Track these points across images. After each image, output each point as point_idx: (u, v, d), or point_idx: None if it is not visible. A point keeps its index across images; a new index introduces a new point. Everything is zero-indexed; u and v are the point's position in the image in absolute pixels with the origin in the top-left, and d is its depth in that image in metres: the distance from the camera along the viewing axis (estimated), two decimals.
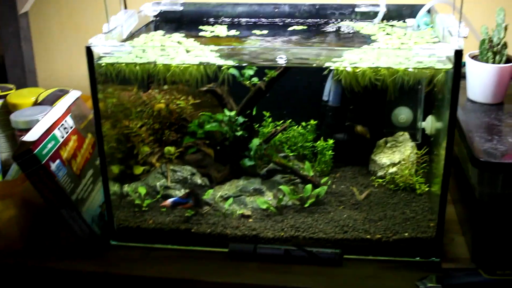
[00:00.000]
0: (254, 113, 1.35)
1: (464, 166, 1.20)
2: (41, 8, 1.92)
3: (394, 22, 1.43)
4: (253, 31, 1.39)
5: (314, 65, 1.15)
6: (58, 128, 1.21)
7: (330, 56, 1.15)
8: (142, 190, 1.29)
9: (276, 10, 1.48)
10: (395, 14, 1.45)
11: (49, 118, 1.22)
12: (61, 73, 1.98)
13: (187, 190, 1.28)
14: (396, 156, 1.34)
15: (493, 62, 1.31)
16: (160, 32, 1.36)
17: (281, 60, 1.14)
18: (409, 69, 1.13)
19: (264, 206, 1.25)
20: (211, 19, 1.49)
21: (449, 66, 1.05)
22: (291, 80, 1.34)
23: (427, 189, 1.30)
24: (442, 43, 1.17)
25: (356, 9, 1.46)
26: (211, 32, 1.39)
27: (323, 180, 1.32)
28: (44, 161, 1.13)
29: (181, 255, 1.21)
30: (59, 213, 1.18)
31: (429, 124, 1.34)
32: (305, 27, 1.43)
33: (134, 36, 1.30)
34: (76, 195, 1.19)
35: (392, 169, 1.33)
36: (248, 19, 1.48)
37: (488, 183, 1.09)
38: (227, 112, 1.31)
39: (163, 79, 1.23)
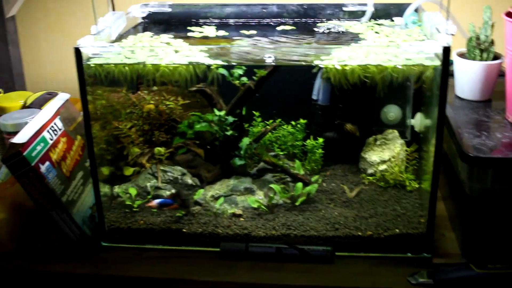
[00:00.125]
0: (243, 113, 1.35)
1: (454, 163, 1.21)
2: (28, 12, 1.91)
3: (382, 21, 1.44)
4: (242, 31, 1.39)
5: (304, 63, 1.15)
6: (47, 130, 1.21)
7: (319, 54, 1.15)
8: (133, 191, 1.28)
9: (265, 10, 1.48)
10: (383, 13, 1.46)
11: (38, 120, 1.22)
12: (49, 77, 1.97)
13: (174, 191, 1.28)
14: (385, 154, 1.35)
15: (481, 60, 1.32)
16: (149, 33, 1.36)
17: (269, 59, 1.14)
18: (398, 66, 1.14)
19: (255, 205, 1.25)
20: (200, 20, 1.49)
21: (438, 62, 1.06)
22: (280, 80, 1.34)
23: (417, 186, 1.30)
24: (430, 40, 1.18)
25: (344, 9, 1.47)
26: (200, 32, 1.39)
27: (314, 178, 1.32)
28: (33, 163, 1.12)
29: (172, 255, 1.21)
30: (50, 215, 1.17)
31: (418, 121, 1.35)
32: (294, 27, 1.43)
33: (122, 38, 1.30)
34: (66, 197, 1.19)
35: (382, 167, 1.34)
36: (236, 20, 1.49)
37: (477, 178, 1.10)
38: (216, 112, 1.31)
39: (152, 79, 1.23)
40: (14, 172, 1.13)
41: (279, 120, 1.42)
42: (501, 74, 1.31)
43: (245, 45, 1.28)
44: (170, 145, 1.36)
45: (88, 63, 1.13)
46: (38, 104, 1.50)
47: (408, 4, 1.39)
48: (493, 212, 1.12)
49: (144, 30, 1.43)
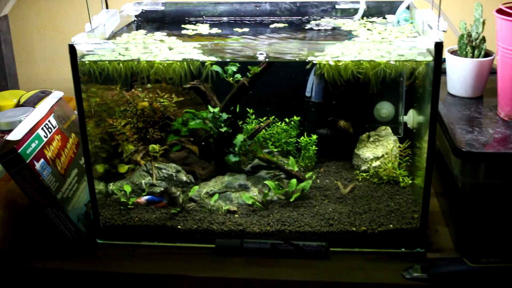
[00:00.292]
0: (237, 110, 1.35)
1: (447, 159, 1.22)
2: (21, 11, 1.91)
3: (374, 19, 1.45)
4: (235, 29, 1.40)
5: (297, 59, 1.16)
6: (42, 128, 1.21)
7: (312, 51, 1.16)
8: (128, 188, 1.28)
9: (258, 8, 1.49)
10: (375, 11, 1.47)
11: (32, 118, 1.22)
12: (42, 76, 1.97)
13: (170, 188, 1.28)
14: (379, 150, 1.36)
15: (472, 57, 1.33)
16: (142, 31, 1.36)
17: (261, 56, 1.15)
18: (391, 62, 1.15)
19: (250, 202, 1.26)
20: (193, 19, 1.50)
21: (430, 58, 1.07)
22: (274, 77, 1.35)
23: (410, 182, 1.31)
24: (423, 36, 1.19)
25: (337, 6, 1.47)
26: (193, 30, 1.39)
27: (308, 175, 1.33)
28: (28, 160, 1.12)
29: (168, 251, 1.21)
30: (45, 212, 1.17)
31: (411, 118, 1.36)
32: (287, 25, 1.44)
33: (116, 36, 1.31)
34: (61, 194, 1.19)
35: (376, 163, 1.35)
36: (229, 18, 1.49)
37: (470, 173, 1.11)
38: (211, 109, 1.31)
39: (146, 77, 1.23)
40: (9, 169, 1.12)
41: (273, 117, 1.43)
42: (493, 71, 1.32)
43: (238, 42, 1.29)
44: (164, 143, 1.36)
45: (83, 60, 1.13)
46: (32, 102, 1.50)
47: (400, 2, 1.40)
48: (485, 207, 1.13)
49: (138, 28, 1.43)
